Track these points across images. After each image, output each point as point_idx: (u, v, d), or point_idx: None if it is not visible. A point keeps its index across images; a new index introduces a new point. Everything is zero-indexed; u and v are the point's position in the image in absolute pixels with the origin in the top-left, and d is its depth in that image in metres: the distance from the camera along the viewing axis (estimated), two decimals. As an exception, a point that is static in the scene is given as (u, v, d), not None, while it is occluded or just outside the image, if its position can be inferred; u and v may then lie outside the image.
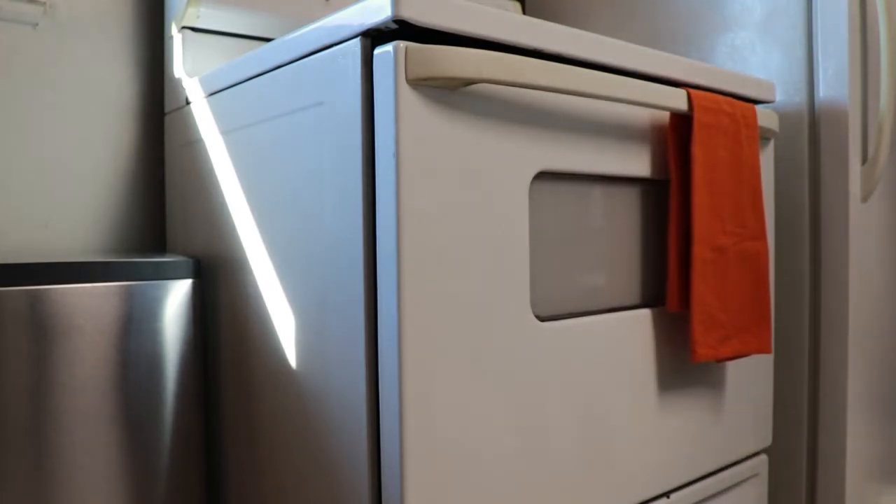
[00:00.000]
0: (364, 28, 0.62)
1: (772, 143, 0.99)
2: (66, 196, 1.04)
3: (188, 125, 0.97)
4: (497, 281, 0.67)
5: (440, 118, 0.62)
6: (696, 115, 0.80)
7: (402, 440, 0.61)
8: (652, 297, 0.85)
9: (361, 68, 0.63)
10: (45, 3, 1.00)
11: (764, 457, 1.01)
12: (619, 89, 0.72)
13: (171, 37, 1.02)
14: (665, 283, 0.82)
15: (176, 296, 0.85)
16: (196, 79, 0.95)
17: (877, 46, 1.06)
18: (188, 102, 0.98)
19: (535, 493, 0.71)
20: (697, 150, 0.80)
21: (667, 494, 0.86)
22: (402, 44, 0.60)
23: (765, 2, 1.09)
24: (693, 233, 0.79)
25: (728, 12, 1.14)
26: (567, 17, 1.42)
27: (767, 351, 0.89)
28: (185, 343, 0.86)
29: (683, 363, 0.87)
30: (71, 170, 1.04)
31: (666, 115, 0.83)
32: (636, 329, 0.81)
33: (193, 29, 1.00)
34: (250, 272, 0.82)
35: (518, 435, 0.69)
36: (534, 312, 0.71)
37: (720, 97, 0.84)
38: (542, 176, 0.72)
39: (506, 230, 0.68)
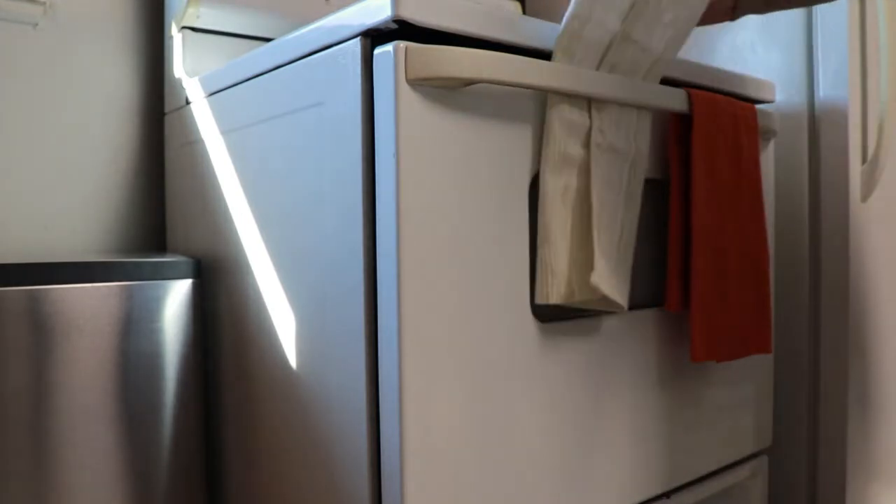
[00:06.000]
0: (364, 28, 0.62)
1: (772, 143, 0.99)
2: (66, 196, 1.04)
3: (188, 125, 0.97)
4: (497, 281, 0.67)
5: (440, 118, 0.62)
6: (697, 115, 0.80)
7: (402, 439, 0.61)
8: (652, 297, 0.85)
9: (361, 68, 0.63)
10: (45, 3, 1.00)
11: (764, 457, 1.01)
12: (619, 90, 0.72)
13: (171, 37, 1.02)
14: (665, 284, 0.82)
15: (176, 296, 0.85)
16: (196, 79, 0.95)
17: (877, 46, 1.06)
18: (188, 102, 0.98)
19: (536, 492, 0.71)
20: (697, 150, 0.80)
21: (667, 494, 0.86)
22: (401, 44, 0.60)
23: (765, 2, 1.09)
24: (693, 233, 0.79)
25: (728, 12, 1.14)
26: (567, 17, 1.41)
27: (767, 351, 0.89)
28: (185, 343, 0.86)
29: (683, 363, 0.87)
30: (71, 170, 1.04)
31: (666, 116, 0.83)
32: (636, 329, 0.81)
33: (193, 29, 1.00)
34: (250, 272, 0.82)
35: (518, 434, 0.69)
36: (534, 312, 0.71)
37: (720, 97, 0.84)
38: (542, 176, 0.72)
39: (506, 230, 0.68)
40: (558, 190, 0.68)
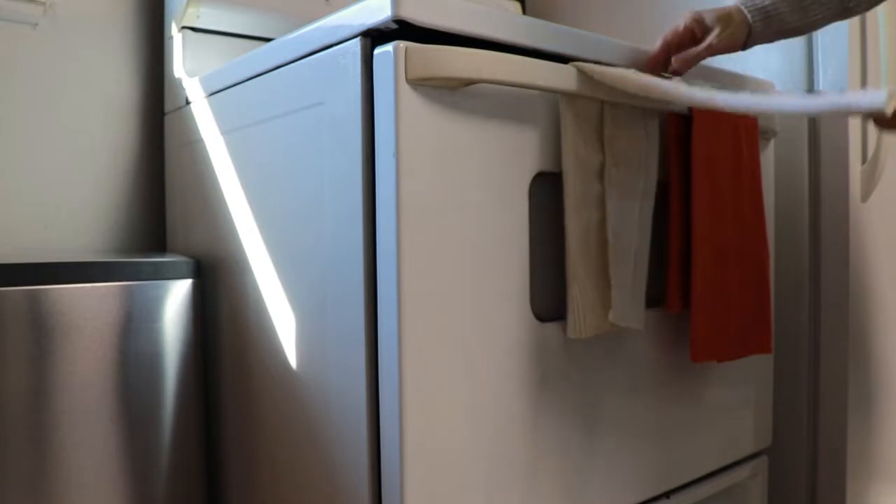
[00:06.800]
0: (364, 28, 0.62)
1: (772, 143, 0.99)
2: (65, 196, 1.04)
3: (188, 125, 0.97)
4: (497, 281, 0.67)
5: (440, 118, 0.62)
6: (697, 116, 0.80)
7: (402, 439, 0.61)
8: (652, 297, 0.85)
9: (361, 68, 0.63)
10: (45, 3, 1.00)
11: (764, 457, 1.01)
12: (619, 90, 0.72)
13: (171, 37, 1.02)
14: (665, 284, 0.82)
15: (176, 296, 0.85)
16: (196, 79, 0.95)
17: (877, 46, 1.06)
18: (188, 102, 0.97)
19: (536, 492, 0.71)
20: (697, 151, 0.80)
21: (667, 494, 0.86)
22: (402, 44, 0.60)
23: (765, 2, 1.09)
24: (693, 233, 0.79)
25: (728, 12, 1.14)
26: (567, 17, 1.42)
27: (767, 351, 0.89)
28: (185, 343, 0.86)
29: (684, 363, 0.87)
30: (71, 170, 1.04)
31: (666, 116, 0.83)
32: (637, 329, 0.81)
33: (193, 29, 1.00)
34: (250, 272, 0.82)
35: (517, 433, 0.69)
36: (534, 312, 0.71)
37: (720, 97, 0.84)
38: (542, 176, 0.72)
39: (506, 230, 0.68)
40: (581, 228, 0.71)
